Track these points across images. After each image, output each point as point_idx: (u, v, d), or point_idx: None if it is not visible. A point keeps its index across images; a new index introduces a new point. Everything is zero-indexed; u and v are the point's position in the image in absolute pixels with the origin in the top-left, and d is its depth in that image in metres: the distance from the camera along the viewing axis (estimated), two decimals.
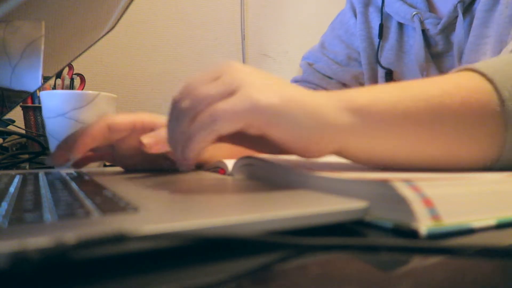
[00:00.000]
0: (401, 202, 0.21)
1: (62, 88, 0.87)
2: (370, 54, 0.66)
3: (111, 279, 0.15)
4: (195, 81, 0.28)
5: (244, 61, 1.40)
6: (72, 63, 0.87)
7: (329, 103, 0.28)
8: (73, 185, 0.31)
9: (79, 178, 0.36)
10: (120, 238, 0.15)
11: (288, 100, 0.26)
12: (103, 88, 1.19)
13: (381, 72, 0.65)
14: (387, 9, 0.63)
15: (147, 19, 1.27)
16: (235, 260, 0.17)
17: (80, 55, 0.57)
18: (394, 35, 0.64)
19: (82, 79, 0.91)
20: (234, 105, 0.25)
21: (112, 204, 0.22)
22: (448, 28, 0.58)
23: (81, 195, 0.25)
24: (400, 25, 0.64)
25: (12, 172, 0.43)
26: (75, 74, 0.90)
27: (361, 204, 0.21)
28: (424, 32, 0.60)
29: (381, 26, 0.64)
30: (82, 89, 0.90)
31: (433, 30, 0.58)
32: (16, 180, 0.35)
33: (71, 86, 0.88)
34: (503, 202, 0.24)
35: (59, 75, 0.87)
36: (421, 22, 0.58)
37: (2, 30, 0.40)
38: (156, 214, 0.19)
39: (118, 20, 0.52)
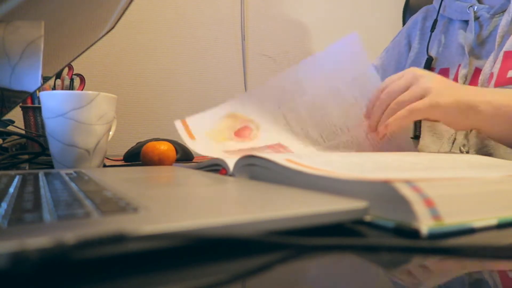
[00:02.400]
0: (402, 202, 0.21)
1: (62, 89, 0.87)
2: (420, 47, 0.81)
3: (110, 279, 0.15)
4: (394, 87, 0.49)
5: (244, 62, 1.39)
6: (71, 64, 0.87)
7: (477, 99, 0.48)
8: (73, 185, 0.31)
9: (78, 178, 0.36)
10: (119, 238, 0.15)
11: (457, 101, 0.47)
12: (102, 88, 1.19)
13: (422, 59, 0.78)
14: (446, 13, 0.77)
15: (147, 19, 1.27)
16: (235, 260, 0.17)
17: (79, 55, 0.57)
18: (441, 32, 0.77)
19: (82, 79, 0.91)
20: (425, 104, 0.46)
21: (111, 204, 0.22)
22: (498, 13, 0.69)
23: (81, 195, 0.25)
24: (446, 24, 0.77)
25: (12, 172, 0.43)
26: (74, 74, 0.90)
27: (361, 204, 0.21)
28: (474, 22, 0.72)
29: (435, 22, 0.78)
30: (82, 90, 0.90)
31: (484, 15, 0.70)
32: (16, 180, 0.35)
33: (71, 87, 0.88)
34: (504, 202, 0.24)
35: (58, 75, 0.87)
36: (474, 13, 0.71)
37: (2, 30, 0.40)
38: (156, 214, 0.19)
39: (118, 20, 0.52)
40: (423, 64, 0.76)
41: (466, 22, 0.73)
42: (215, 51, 1.36)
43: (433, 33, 0.78)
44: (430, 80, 0.49)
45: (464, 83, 0.68)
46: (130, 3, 0.49)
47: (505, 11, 0.68)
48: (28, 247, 0.14)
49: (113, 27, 0.53)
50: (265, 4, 1.43)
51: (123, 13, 0.50)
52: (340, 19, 1.55)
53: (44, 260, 0.14)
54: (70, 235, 0.14)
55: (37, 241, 0.14)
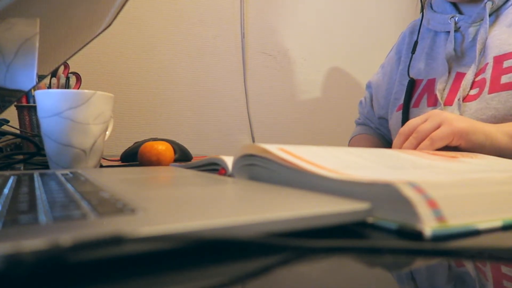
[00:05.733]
0: (405, 203, 0.21)
1: (58, 87, 0.86)
2: (403, 69, 0.84)
3: (107, 282, 0.15)
4: (415, 121, 0.53)
5: (243, 60, 1.39)
6: (67, 62, 0.86)
7: (495, 128, 0.53)
8: (69, 186, 0.30)
9: (75, 179, 0.35)
10: (117, 240, 0.15)
11: (472, 126, 0.51)
12: (99, 87, 1.18)
13: (405, 82, 0.81)
14: (431, 26, 0.80)
15: (144, 17, 1.27)
16: (235, 262, 0.17)
17: (75, 53, 0.56)
18: (427, 45, 0.79)
19: (78, 78, 0.90)
20: (443, 132, 0.50)
21: (109, 206, 0.21)
22: (476, 22, 0.72)
23: (77, 196, 0.25)
24: (433, 37, 0.79)
25: (7, 173, 0.42)
26: (70, 72, 0.89)
27: (363, 205, 0.21)
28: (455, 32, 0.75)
29: (415, 43, 0.81)
30: (78, 88, 0.90)
31: (464, 25, 0.73)
32: (11, 181, 0.34)
33: (67, 85, 0.88)
34: (509, 203, 0.23)
35: (54, 74, 0.86)
36: (455, 24, 0.75)
37: None
38: (154, 215, 0.19)
39: (115, 17, 0.51)
40: (405, 83, 0.80)
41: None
42: (214, 49, 1.35)
43: (421, 46, 0.80)
44: (447, 113, 0.53)
45: (444, 88, 0.71)
46: (127, 0, 0.48)
47: (483, 19, 0.71)
48: (23, 249, 0.13)
49: (110, 25, 0.53)
50: (265, 1, 1.42)
51: (120, 10, 0.50)
52: (341, 17, 1.55)
53: (39, 263, 0.14)
54: (66, 237, 0.14)
55: (32, 243, 0.14)
